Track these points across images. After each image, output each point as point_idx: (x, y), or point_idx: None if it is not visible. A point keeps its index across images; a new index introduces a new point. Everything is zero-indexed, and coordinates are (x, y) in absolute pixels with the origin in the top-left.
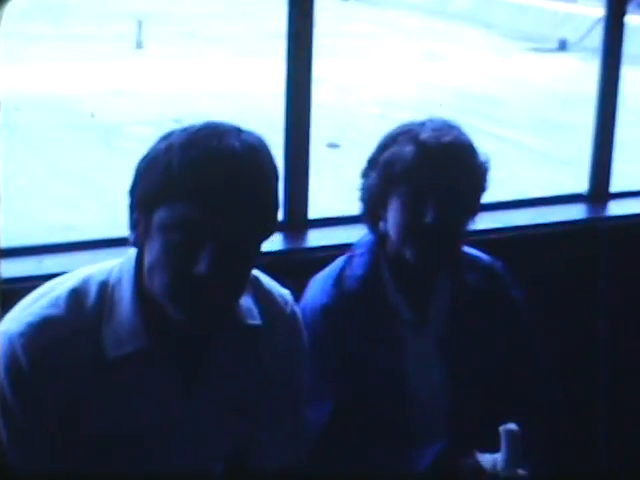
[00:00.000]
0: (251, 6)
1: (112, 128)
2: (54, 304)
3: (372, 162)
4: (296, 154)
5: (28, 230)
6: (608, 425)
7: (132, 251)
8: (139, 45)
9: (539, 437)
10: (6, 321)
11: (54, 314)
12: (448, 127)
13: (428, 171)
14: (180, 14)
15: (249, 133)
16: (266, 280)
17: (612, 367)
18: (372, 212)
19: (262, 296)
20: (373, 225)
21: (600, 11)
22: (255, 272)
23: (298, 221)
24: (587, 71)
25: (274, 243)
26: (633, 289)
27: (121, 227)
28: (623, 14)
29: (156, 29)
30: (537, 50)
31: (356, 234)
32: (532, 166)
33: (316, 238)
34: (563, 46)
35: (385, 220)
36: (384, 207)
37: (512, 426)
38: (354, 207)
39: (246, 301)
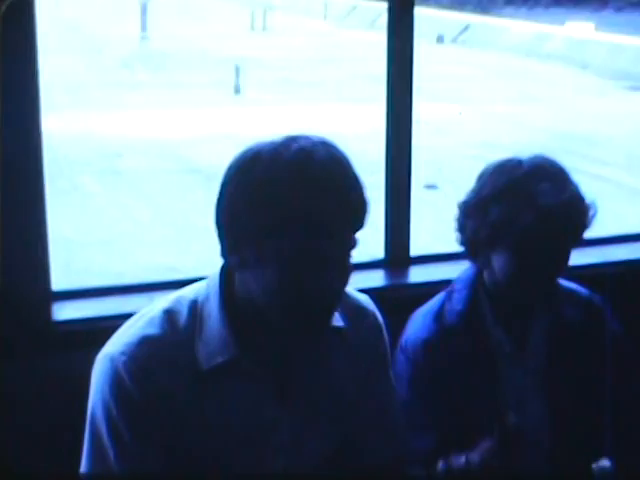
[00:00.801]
0: (343, 51)
1: (213, 172)
2: (150, 324)
3: (477, 207)
4: (396, 193)
5: (133, 272)
6: None
7: (216, 270)
8: (237, 90)
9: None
10: (107, 345)
11: (151, 333)
12: (558, 178)
13: (546, 236)
14: (276, 60)
15: (333, 146)
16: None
17: None
18: (473, 252)
19: (345, 302)
20: (475, 259)
21: None
22: None
23: (400, 258)
24: None
25: (377, 279)
26: None
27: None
28: None
29: (253, 75)
30: (634, 88)
31: (456, 270)
32: (630, 204)
33: (417, 275)
34: None
35: (488, 257)
36: (490, 249)
37: (605, 463)
38: (451, 246)
39: None
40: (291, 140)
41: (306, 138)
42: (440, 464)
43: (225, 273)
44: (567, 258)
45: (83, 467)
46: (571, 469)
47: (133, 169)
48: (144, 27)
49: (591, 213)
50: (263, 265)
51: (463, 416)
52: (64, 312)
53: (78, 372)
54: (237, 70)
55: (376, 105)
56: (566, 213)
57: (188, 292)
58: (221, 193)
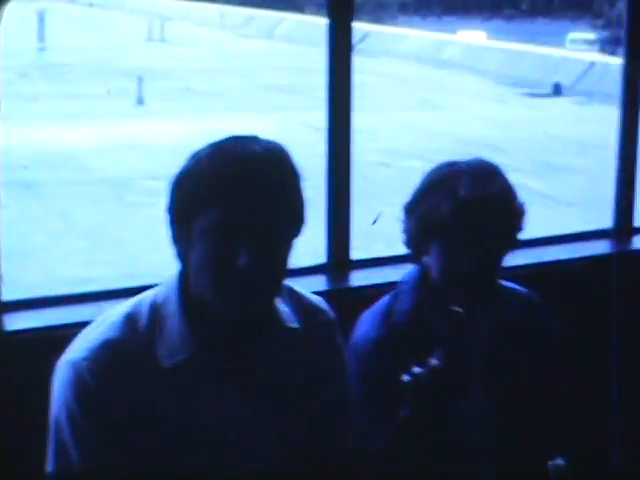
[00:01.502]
0: (242, 60)
1: (121, 182)
2: (111, 328)
3: (411, 206)
4: (338, 197)
5: (46, 284)
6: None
7: (173, 273)
8: (140, 101)
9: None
10: (68, 351)
11: (112, 336)
12: (486, 175)
13: (466, 227)
14: (175, 70)
15: (268, 140)
16: (300, 289)
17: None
18: (414, 251)
19: (298, 302)
20: (417, 260)
21: (592, 55)
22: (289, 283)
23: (341, 262)
24: (582, 114)
25: (318, 283)
26: None
27: (136, 278)
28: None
29: (154, 85)
30: (532, 95)
31: (396, 273)
32: (538, 208)
33: (358, 278)
34: (557, 90)
35: (428, 255)
36: (426, 248)
37: (560, 462)
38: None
39: (284, 306)
40: (230, 136)
41: (246, 135)
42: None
43: (182, 275)
44: (496, 253)
45: (48, 469)
46: (523, 465)
47: (41, 181)
48: (41, 38)
49: (520, 212)
50: (192, 247)
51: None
52: (15, 323)
53: (30, 381)
54: (139, 81)
55: (281, 114)
56: (486, 205)
57: (147, 295)
58: (168, 192)
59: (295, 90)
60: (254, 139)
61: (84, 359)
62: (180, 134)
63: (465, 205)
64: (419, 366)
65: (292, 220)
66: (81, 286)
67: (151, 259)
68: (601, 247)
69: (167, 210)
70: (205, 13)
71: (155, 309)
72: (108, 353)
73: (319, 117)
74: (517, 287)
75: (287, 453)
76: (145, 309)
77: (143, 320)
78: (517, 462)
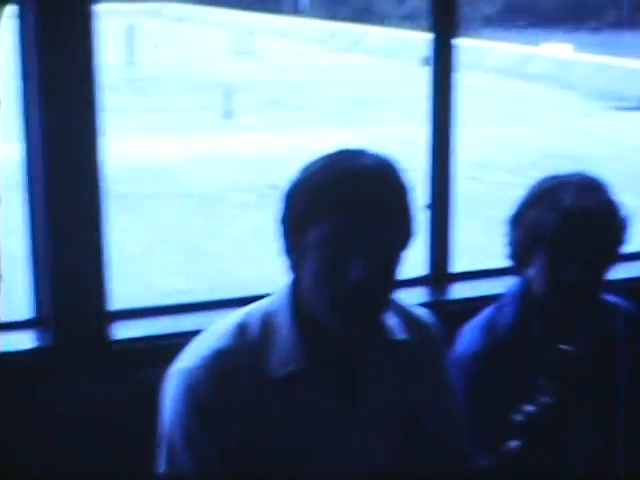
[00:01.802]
0: (330, 74)
1: (211, 196)
2: (222, 338)
3: (516, 218)
4: (439, 212)
5: (141, 295)
6: None
7: (286, 283)
8: (228, 114)
9: None
10: (181, 360)
11: (224, 346)
12: (589, 188)
13: (571, 238)
14: (262, 83)
15: (377, 153)
16: (407, 302)
17: None
18: (519, 262)
19: (405, 314)
20: (520, 272)
21: None
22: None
23: (441, 274)
24: None
25: (419, 295)
26: None
27: (227, 289)
28: None
29: (241, 98)
30: (620, 108)
31: (494, 286)
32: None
33: (458, 290)
34: None
35: (531, 268)
36: (530, 260)
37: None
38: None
39: (392, 318)
40: (337, 150)
41: (355, 148)
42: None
43: (294, 286)
44: (599, 265)
45: (160, 478)
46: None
47: (132, 193)
48: (130, 53)
49: (623, 225)
50: (306, 258)
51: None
52: (121, 331)
53: (136, 389)
54: (228, 94)
55: (369, 128)
56: (590, 217)
57: (258, 306)
58: (281, 204)
59: (382, 103)
60: (364, 153)
61: (198, 367)
62: (269, 147)
63: (570, 216)
64: (530, 404)
65: (402, 233)
66: (173, 297)
67: (241, 272)
68: None
69: (279, 222)
70: (290, 27)
71: (266, 320)
72: (220, 362)
73: (406, 130)
74: (619, 300)
75: (393, 467)
76: (256, 319)
77: (254, 330)
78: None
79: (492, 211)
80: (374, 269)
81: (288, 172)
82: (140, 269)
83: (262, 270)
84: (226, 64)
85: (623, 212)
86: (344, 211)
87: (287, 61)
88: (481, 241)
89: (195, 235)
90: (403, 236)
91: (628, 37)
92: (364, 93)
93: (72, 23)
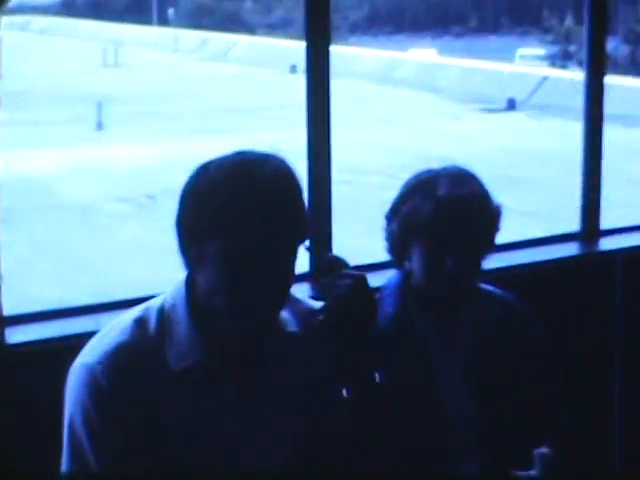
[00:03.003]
0: (198, 83)
1: (87, 207)
2: (122, 333)
3: (393, 211)
4: (319, 213)
5: (20, 306)
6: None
7: (180, 279)
8: (100, 126)
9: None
10: (81, 356)
11: (124, 341)
12: (462, 178)
13: (445, 226)
14: (132, 94)
15: (275, 158)
16: (298, 295)
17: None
18: (397, 255)
19: (297, 308)
20: (399, 265)
21: (543, 70)
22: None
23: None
24: (536, 127)
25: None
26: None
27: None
28: (603, 74)
29: (111, 110)
30: (487, 110)
31: (377, 279)
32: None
33: None
34: (512, 105)
35: (410, 260)
36: (407, 252)
37: (545, 450)
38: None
39: (284, 313)
40: (237, 153)
41: (252, 152)
42: None
43: (189, 282)
44: (475, 253)
45: (64, 471)
46: (509, 455)
47: (7, 207)
48: None
49: (496, 213)
50: (206, 266)
51: (401, 409)
52: (16, 335)
53: (34, 390)
54: (99, 106)
55: (237, 136)
56: (464, 205)
57: (155, 302)
58: (179, 199)
59: (250, 111)
60: (263, 160)
61: (98, 362)
62: (140, 157)
63: (445, 204)
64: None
65: (301, 237)
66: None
67: (119, 279)
68: (570, 249)
69: (177, 223)
70: (158, 37)
71: (163, 315)
72: (121, 356)
73: (277, 137)
74: (496, 290)
75: (288, 454)
76: (153, 314)
77: (152, 325)
78: (501, 458)
79: (367, 213)
80: (275, 281)
81: (163, 182)
82: (15, 282)
83: (140, 277)
84: (96, 76)
85: (495, 201)
86: (247, 229)
87: (157, 72)
88: (363, 242)
89: (72, 246)
90: (301, 241)
91: (491, 41)
92: (235, 102)
93: None
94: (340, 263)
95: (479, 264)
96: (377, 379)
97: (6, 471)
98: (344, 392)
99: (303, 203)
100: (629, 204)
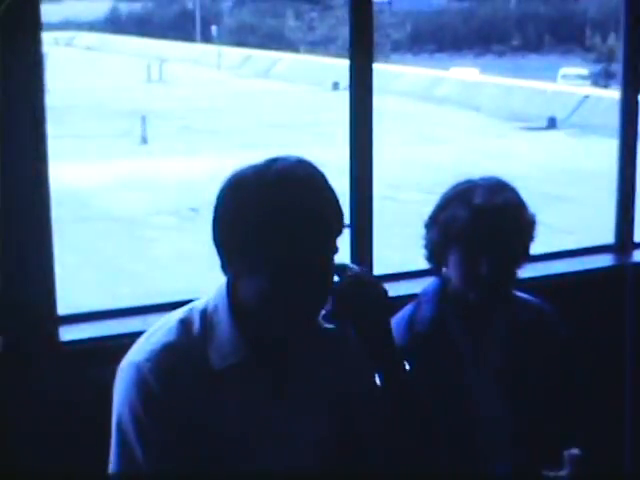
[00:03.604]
0: (241, 99)
1: (132, 219)
2: (168, 333)
3: (432, 219)
4: (360, 227)
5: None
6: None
7: (222, 282)
8: (144, 140)
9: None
10: (130, 355)
11: (170, 340)
12: (498, 188)
13: (481, 233)
14: (175, 110)
15: (308, 164)
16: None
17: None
18: (435, 262)
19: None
20: (437, 271)
21: (585, 89)
22: None
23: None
24: (576, 146)
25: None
26: None
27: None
28: (638, 91)
29: (155, 124)
30: (527, 129)
31: (412, 286)
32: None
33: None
34: (552, 124)
35: (447, 267)
36: (445, 258)
37: (575, 451)
38: None
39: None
40: (271, 161)
41: (285, 159)
42: None
43: (230, 285)
44: (509, 261)
45: (112, 468)
46: (539, 456)
47: (55, 218)
48: None
49: (530, 223)
50: (254, 276)
51: (434, 410)
52: (69, 333)
53: (87, 388)
54: (143, 120)
55: (281, 150)
56: (499, 213)
57: (198, 304)
58: (214, 215)
59: (292, 127)
60: (299, 166)
61: (146, 361)
62: (185, 172)
63: (480, 213)
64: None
65: (341, 229)
66: None
67: (160, 289)
68: (605, 261)
69: (214, 234)
70: (201, 54)
71: (206, 316)
72: (167, 355)
73: (319, 153)
74: (530, 297)
75: (324, 453)
76: (197, 316)
77: (196, 326)
78: (532, 459)
79: (408, 228)
80: (318, 281)
81: (206, 195)
82: (63, 291)
83: (180, 287)
84: (140, 91)
85: (530, 211)
86: (286, 237)
87: (200, 88)
88: (398, 255)
89: (116, 256)
90: (337, 236)
91: (534, 60)
92: (277, 118)
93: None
94: (350, 269)
95: (513, 271)
96: (406, 367)
97: (53, 467)
98: (377, 379)
99: (337, 198)
100: None
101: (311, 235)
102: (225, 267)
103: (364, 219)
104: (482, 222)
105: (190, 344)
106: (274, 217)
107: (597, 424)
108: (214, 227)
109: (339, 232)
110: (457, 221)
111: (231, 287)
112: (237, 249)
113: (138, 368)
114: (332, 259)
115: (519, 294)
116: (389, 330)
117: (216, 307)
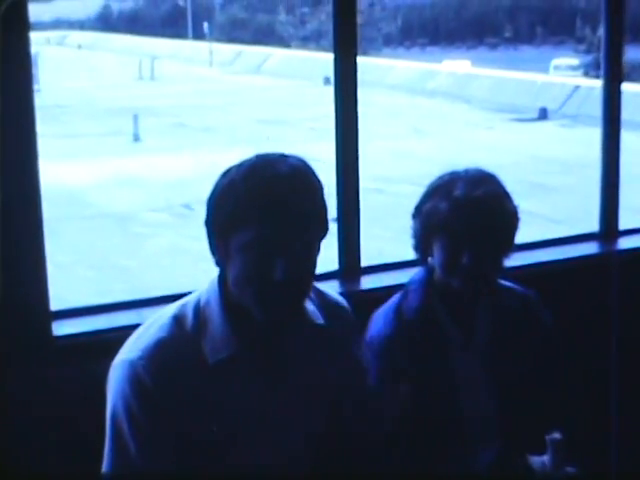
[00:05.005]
0: (232, 96)
1: (125, 216)
2: (161, 329)
3: (417, 210)
4: (347, 209)
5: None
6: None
7: (214, 277)
8: (136, 138)
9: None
10: (123, 352)
11: (163, 336)
12: (480, 180)
13: (460, 225)
14: (167, 107)
15: (292, 158)
16: (324, 288)
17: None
18: (421, 252)
19: (323, 301)
20: (423, 261)
21: (576, 80)
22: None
23: (352, 269)
24: (567, 136)
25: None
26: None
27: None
28: (620, 81)
29: (147, 122)
30: (519, 120)
31: (399, 277)
32: (528, 227)
33: (368, 282)
34: (544, 114)
35: (432, 256)
36: (429, 248)
37: (557, 435)
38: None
39: (311, 305)
40: (256, 155)
41: (270, 153)
42: None
43: (222, 280)
44: (491, 251)
45: (106, 465)
46: (524, 441)
47: (47, 216)
48: (35, 80)
49: (512, 214)
50: (233, 259)
51: (421, 396)
52: (62, 328)
53: (75, 382)
54: (135, 119)
55: (272, 146)
56: (478, 204)
57: (190, 299)
58: (205, 207)
59: (284, 123)
60: (279, 160)
61: (140, 358)
62: (177, 169)
63: (459, 205)
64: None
65: (319, 229)
66: None
67: (155, 286)
68: (590, 249)
69: (205, 224)
70: (193, 51)
71: (199, 311)
72: (160, 351)
73: (311, 148)
74: (514, 285)
75: (317, 445)
76: (190, 311)
77: (189, 321)
78: (516, 444)
79: (398, 221)
80: (295, 268)
81: (198, 192)
82: (57, 288)
83: (173, 283)
84: (132, 89)
85: (512, 202)
86: (265, 219)
87: (192, 85)
88: (389, 247)
89: (110, 254)
90: (320, 232)
91: (526, 52)
92: (269, 114)
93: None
94: None
95: (495, 260)
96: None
97: (48, 461)
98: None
99: (320, 197)
100: None
101: (285, 218)
102: (213, 254)
103: (351, 211)
104: (461, 214)
105: (183, 339)
106: (251, 198)
107: (581, 410)
108: (205, 214)
109: (318, 228)
110: (438, 213)
111: (222, 282)
112: (220, 232)
113: (131, 365)
114: (307, 250)
115: (504, 282)
116: None
117: (208, 301)
